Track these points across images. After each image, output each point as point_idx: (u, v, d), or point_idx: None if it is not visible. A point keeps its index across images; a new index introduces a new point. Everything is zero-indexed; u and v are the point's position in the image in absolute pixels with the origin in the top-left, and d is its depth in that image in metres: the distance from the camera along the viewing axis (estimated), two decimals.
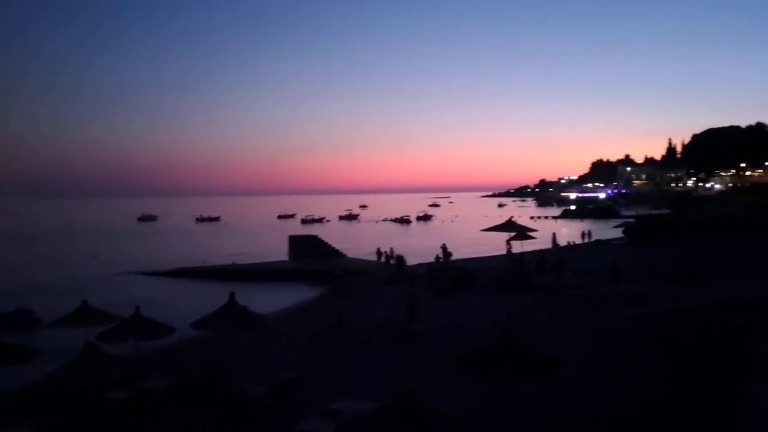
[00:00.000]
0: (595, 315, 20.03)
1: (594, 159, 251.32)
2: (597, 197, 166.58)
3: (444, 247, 38.37)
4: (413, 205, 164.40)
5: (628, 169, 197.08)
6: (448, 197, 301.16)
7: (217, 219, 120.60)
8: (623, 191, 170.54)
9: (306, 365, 13.35)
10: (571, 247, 45.81)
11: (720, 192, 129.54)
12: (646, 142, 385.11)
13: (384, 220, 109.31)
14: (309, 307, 27.55)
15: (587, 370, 13.43)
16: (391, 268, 35.56)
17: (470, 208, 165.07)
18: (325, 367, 12.54)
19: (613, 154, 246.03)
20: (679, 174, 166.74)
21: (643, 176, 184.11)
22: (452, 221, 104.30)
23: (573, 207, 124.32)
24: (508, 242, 39.11)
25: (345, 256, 43.88)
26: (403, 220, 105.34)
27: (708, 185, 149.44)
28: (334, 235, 63.07)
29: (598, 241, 51.05)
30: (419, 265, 35.84)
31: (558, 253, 41.45)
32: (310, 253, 43.02)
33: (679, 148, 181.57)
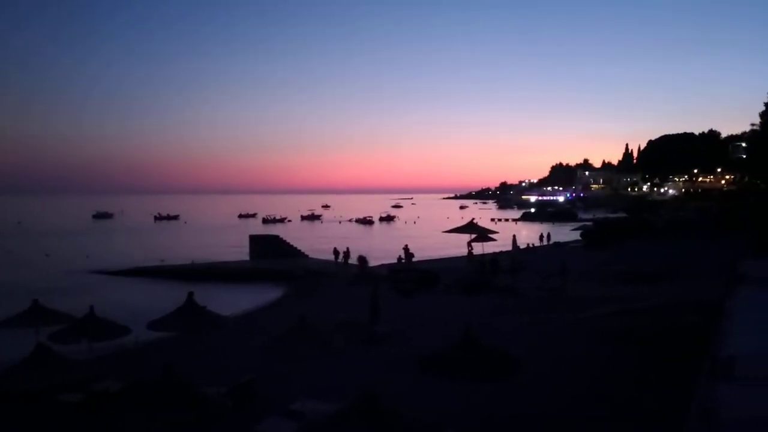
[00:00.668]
0: (554, 315, 20.41)
1: (554, 163, 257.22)
2: (556, 200, 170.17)
3: (406, 249, 38.54)
4: (376, 206, 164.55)
5: (587, 173, 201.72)
6: (411, 198, 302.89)
7: (175, 218, 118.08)
8: (581, 195, 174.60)
9: (267, 367, 13.15)
10: (530, 249, 46.63)
11: (674, 197, 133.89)
12: (604, 147, 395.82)
13: (349, 220, 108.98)
14: (270, 308, 27.27)
15: (548, 370, 13.66)
16: (350, 268, 35.59)
17: (432, 210, 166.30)
18: (287, 368, 12.38)
19: (572, 159, 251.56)
20: (635, 179, 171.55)
21: (601, 180, 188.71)
22: (415, 222, 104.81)
23: (533, 210, 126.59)
24: (469, 244, 39.54)
25: (307, 256, 43.60)
26: (366, 221, 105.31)
27: (662, 190, 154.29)
28: (295, 235, 62.57)
29: (556, 244, 52.10)
30: (382, 265, 35.89)
31: (517, 254, 42.17)
32: (272, 254, 42.60)
33: (635, 154, 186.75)
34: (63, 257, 48.43)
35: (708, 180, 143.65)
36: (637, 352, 14.99)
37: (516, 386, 10.83)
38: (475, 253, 38.47)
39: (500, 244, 41.51)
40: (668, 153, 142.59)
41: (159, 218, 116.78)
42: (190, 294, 12.54)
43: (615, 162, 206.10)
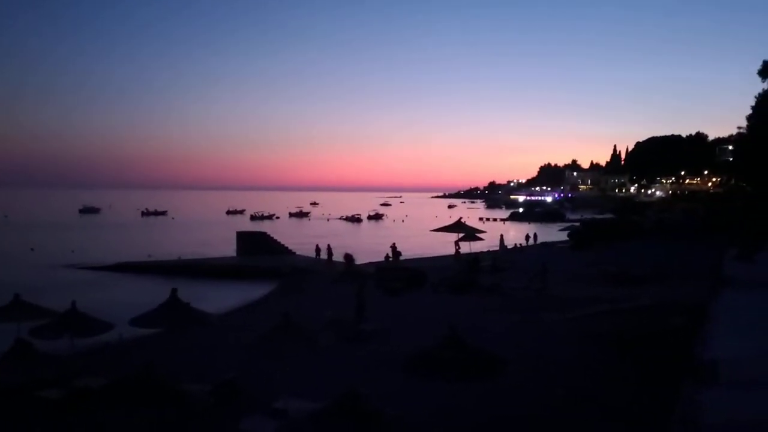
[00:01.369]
0: (541, 315, 20.46)
1: (542, 163, 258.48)
2: (544, 201, 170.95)
3: (393, 247, 38.56)
4: (365, 204, 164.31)
5: (575, 174, 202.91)
6: (400, 197, 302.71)
7: (163, 213, 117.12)
8: (569, 195, 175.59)
9: (251, 364, 13.07)
10: (518, 249, 46.79)
11: (661, 198, 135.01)
12: (593, 148, 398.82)
13: (340, 218, 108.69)
14: (256, 305, 27.14)
15: (536, 370, 13.67)
16: (333, 265, 35.58)
17: (421, 209, 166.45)
18: (271, 366, 12.29)
19: (561, 159, 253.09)
20: (623, 180, 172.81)
21: (589, 181, 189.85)
22: (403, 221, 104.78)
23: (521, 210, 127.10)
24: (456, 243, 39.63)
25: (294, 253, 43.48)
26: (354, 219, 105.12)
27: (650, 191, 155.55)
28: (283, 232, 62.35)
29: (544, 244, 52.33)
30: (369, 264, 35.85)
31: (504, 254, 42.33)
32: (259, 250, 42.42)
33: (623, 155, 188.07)
34: (48, 252, 47.85)
35: (695, 182, 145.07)
36: (624, 353, 15.04)
37: (503, 387, 10.84)
38: (462, 252, 38.55)
39: (488, 243, 41.66)
40: (655, 155, 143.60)
41: (146, 213, 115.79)
42: (174, 290, 12.42)
43: (603, 163, 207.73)
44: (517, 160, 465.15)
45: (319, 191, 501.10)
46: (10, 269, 37.33)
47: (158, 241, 60.49)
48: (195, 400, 9.54)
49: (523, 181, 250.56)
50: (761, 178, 46.09)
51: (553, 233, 60.41)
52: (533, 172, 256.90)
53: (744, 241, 16.81)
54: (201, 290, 26.89)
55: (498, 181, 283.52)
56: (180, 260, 40.26)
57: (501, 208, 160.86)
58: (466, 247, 38.14)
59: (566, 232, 54.18)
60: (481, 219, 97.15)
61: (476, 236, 37.65)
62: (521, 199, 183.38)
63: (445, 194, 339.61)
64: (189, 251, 45.87)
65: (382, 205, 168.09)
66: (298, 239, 53.84)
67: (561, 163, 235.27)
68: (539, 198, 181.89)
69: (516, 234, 61.05)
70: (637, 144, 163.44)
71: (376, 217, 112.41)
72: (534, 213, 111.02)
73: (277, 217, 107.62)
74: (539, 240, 53.71)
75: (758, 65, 46.39)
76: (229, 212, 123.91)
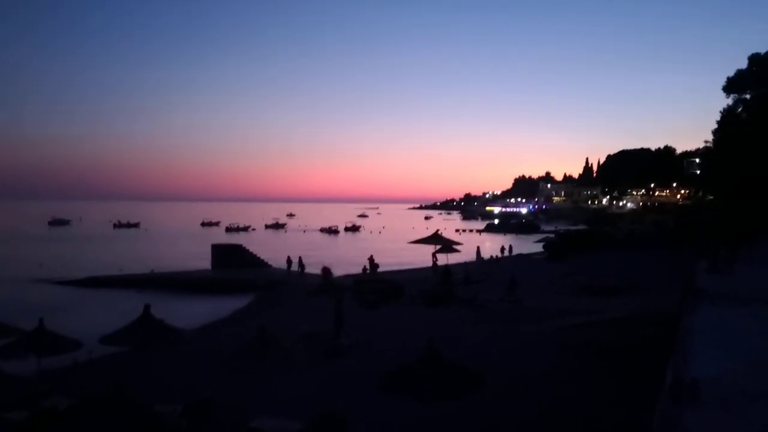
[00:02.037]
0: (518, 327, 20.51)
1: (517, 175, 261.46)
2: (519, 212, 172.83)
3: (371, 259, 38.40)
4: (342, 215, 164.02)
5: (549, 186, 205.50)
6: (377, 208, 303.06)
7: (136, 225, 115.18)
8: (544, 207, 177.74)
9: (226, 382, 12.78)
10: (494, 261, 47.04)
11: (632, 210, 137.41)
12: (566, 160, 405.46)
13: (317, 230, 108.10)
14: (231, 320, 26.74)
15: (513, 383, 13.64)
16: (306, 278, 35.34)
17: (398, 220, 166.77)
18: (247, 384, 12.04)
19: (535, 171, 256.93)
20: (595, 192, 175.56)
21: (563, 193, 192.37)
22: (380, 232, 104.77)
23: (497, 221, 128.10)
24: (434, 255, 39.66)
25: (270, 266, 43.03)
26: (331, 231, 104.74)
27: (621, 203, 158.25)
28: (259, 244, 61.73)
29: (519, 255, 52.71)
30: (346, 276, 35.63)
31: (481, 266, 42.50)
32: (234, 263, 41.90)
33: (595, 167, 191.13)
34: (15, 266, 46.52)
35: (664, 194, 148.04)
36: (600, 364, 15.13)
37: (482, 400, 10.76)
38: (440, 264, 38.56)
39: (465, 255, 41.77)
40: (626, 167, 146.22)
41: (118, 226, 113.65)
42: (147, 306, 12.11)
43: (576, 175, 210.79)
44: (492, 172, 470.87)
45: (296, 202, 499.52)
46: None
47: (131, 254, 59.34)
48: (167, 420, 9.25)
49: (498, 192, 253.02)
50: (727, 192, 47.25)
51: (528, 245, 60.95)
52: (508, 184, 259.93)
53: (713, 253, 17.15)
54: (174, 304, 26.41)
55: (474, 193, 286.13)
56: (153, 273, 39.50)
57: (477, 219, 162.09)
58: (443, 259, 38.16)
59: (542, 244, 54.71)
60: (457, 230, 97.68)
61: (453, 248, 37.71)
62: (497, 210, 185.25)
63: (421, 205, 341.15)
64: (162, 264, 45.06)
65: (359, 216, 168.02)
66: (275, 251, 53.32)
67: (535, 175, 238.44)
68: (514, 209, 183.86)
69: (492, 245, 61.42)
70: (608, 157, 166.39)
71: (353, 228, 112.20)
72: (509, 224, 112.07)
73: (253, 229, 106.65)
74: (515, 251, 54.09)
75: (724, 79, 47.65)
76: (203, 224, 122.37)
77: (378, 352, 16.87)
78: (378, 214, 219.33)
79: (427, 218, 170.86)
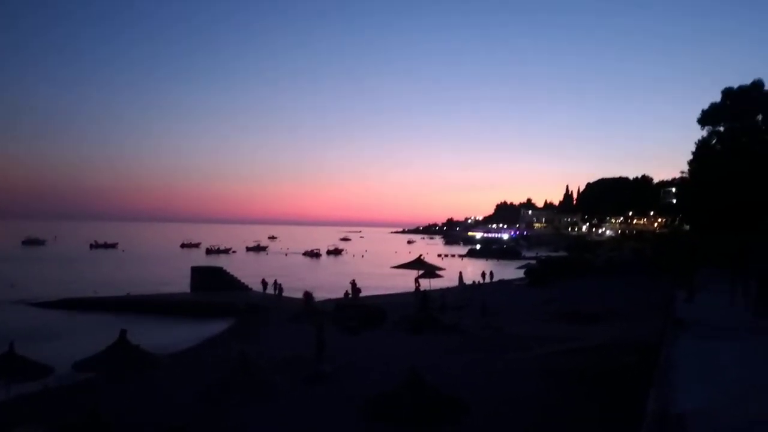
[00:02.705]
0: (501, 354, 20.45)
1: (498, 201, 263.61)
2: (501, 238, 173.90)
3: (353, 283, 38.20)
4: (324, 238, 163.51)
5: (530, 212, 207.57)
6: (360, 231, 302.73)
7: (113, 246, 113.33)
8: (525, 233, 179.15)
9: (203, 410, 12.48)
10: (476, 286, 47.10)
11: (611, 237, 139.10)
12: (547, 187, 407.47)
13: (299, 253, 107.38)
14: (210, 344, 26.26)
15: (496, 410, 13.53)
16: (283, 301, 35.04)
17: (381, 244, 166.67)
18: (225, 413, 11.76)
19: (516, 197, 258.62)
20: (575, 219, 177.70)
21: (543, 220, 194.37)
22: (363, 256, 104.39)
23: (478, 246, 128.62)
24: (416, 280, 39.61)
25: (251, 289, 42.59)
26: (314, 254, 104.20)
27: (600, 231, 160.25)
28: (240, 267, 61.11)
29: (501, 281, 52.88)
30: (328, 300, 35.36)
31: (463, 291, 42.52)
32: (214, 286, 41.42)
33: (575, 195, 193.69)
34: None
35: (642, 222, 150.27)
36: (582, 391, 15.11)
37: (466, 427, 10.63)
38: (422, 289, 38.50)
39: (447, 281, 41.80)
40: (605, 195, 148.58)
41: (95, 246, 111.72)
42: (123, 332, 11.85)
43: (557, 202, 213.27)
44: (474, 198, 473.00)
45: (280, 224, 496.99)
46: None
47: (107, 275, 58.28)
48: None
49: (480, 218, 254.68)
50: (702, 221, 48.08)
51: (510, 270, 61.24)
52: (490, 210, 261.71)
53: (689, 282, 17.35)
54: (152, 327, 25.93)
55: (456, 218, 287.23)
56: (129, 296, 38.79)
57: (459, 244, 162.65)
58: (425, 284, 38.13)
59: (523, 270, 55.00)
60: (440, 255, 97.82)
61: (436, 273, 37.74)
62: (479, 236, 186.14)
63: (404, 230, 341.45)
64: (140, 287, 44.32)
65: (342, 239, 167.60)
66: (256, 275, 52.84)
67: (516, 201, 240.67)
68: (496, 235, 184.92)
69: (474, 270, 61.53)
70: (588, 185, 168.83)
71: (336, 252, 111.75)
72: (491, 250, 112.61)
73: (234, 252, 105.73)
74: (496, 277, 54.26)
75: (699, 111, 48.80)
76: (183, 246, 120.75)
77: (360, 378, 16.66)
78: (361, 237, 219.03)
79: (409, 242, 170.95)
